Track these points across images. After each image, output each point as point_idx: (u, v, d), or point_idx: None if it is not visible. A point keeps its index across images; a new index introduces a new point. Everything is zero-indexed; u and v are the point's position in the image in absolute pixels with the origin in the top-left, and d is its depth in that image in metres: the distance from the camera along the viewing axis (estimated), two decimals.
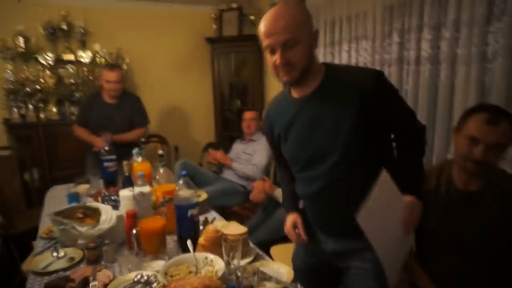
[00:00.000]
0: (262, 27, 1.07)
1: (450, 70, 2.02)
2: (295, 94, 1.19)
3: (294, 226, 1.30)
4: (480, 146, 1.21)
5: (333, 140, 1.10)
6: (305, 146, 1.17)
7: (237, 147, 3.19)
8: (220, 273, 1.14)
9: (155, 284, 1.13)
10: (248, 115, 3.12)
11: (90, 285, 1.12)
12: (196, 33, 4.13)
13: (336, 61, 2.90)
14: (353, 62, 2.72)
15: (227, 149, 3.33)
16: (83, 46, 3.58)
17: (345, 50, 2.80)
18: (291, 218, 1.32)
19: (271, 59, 1.09)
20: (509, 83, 1.76)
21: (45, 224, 1.70)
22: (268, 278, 1.20)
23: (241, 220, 2.86)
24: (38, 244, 1.51)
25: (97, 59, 3.60)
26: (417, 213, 1.08)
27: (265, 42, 1.08)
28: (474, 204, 1.31)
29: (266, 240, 2.21)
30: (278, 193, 2.42)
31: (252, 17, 3.93)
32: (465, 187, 1.33)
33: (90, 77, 3.57)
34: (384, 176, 1.01)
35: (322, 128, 1.12)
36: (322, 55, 3.02)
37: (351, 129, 1.07)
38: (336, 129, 1.09)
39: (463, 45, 1.93)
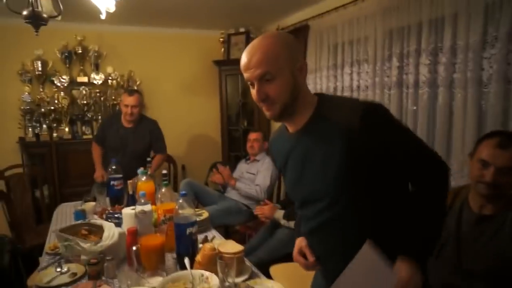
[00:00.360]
0: (241, 60, 1.01)
1: (448, 93, 2.07)
2: (289, 128, 1.11)
3: (302, 252, 1.21)
4: (490, 169, 1.26)
5: (322, 182, 1.02)
6: (298, 185, 1.11)
7: (242, 167, 3.25)
8: None
9: None
10: (252, 136, 3.18)
11: None
12: (204, 56, 4.27)
13: (339, 84, 2.98)
14: (354, 85, 2.79)
15: (232, 169, 3.39)
16: (96, 68, 3.75)
17: (347, 73, 2.88)
18: (297, 243, 1.24)
19: (252, 93, 1.02)
20: (504, 106, 1.80)
21: (52, 240, 1.76)
22: None
23: (243, 239, 2.89)
24: (43, 260, 1.57)
25: (109, 81, 3.76)
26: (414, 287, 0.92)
27: (244, 76, 1.01)
28: (485, 226, 1.32)
29: (266, 259, 2.23)
30: (278, 214, 2.46)
31: None
32: (479, 210, 1.35)
33: (102, 98, 3.72)
34: (366, 249, 0.91)
35: (312, 169, 1.04)
36: (325, 77, 3.11)
37: (340, 172, 0.98)
38: (324, 171, 1.00)
39: (459, 69, 1.98)
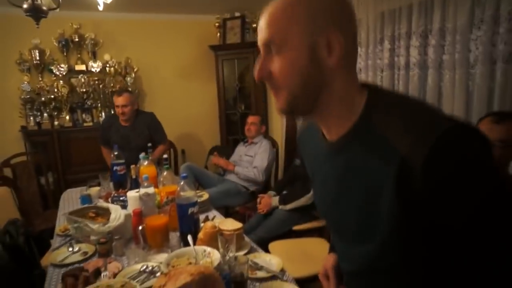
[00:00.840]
0: None
1: (437, 75, 2.14)
2: (324, 132, 0.78)
3: (327, 274, 1.03)
4: None
5: (365, 223, 0.70)
6: (330, 210, 0.83)
7: (240, 150, 3.34)
8: (216, 263, 1.28)
9: (158, 273, 1.28)
10: (250, 119, 3.27)
11: (102, 274, 1.28)
12: (200, 41, 4.30)
13: None
14: None
15: (230, 153, 3.48)
16: (94, 56, 3.79)
17: None
18: (325, 262, 1.04)
19: None
20: (489, 87, 1.87)
21: (61, 223, 1.87)
22: (260, 267, 1.34)
23: (243, 219, 3.01)
24: (55, 241, 1.67)
25: (107, 69, 3.80)
26: None
27: None
28: None
29: (265, 238, 2.34)
30: (275, 202, 2.57)
31: (254, 25, 4.09)
32: None
33: (101, 86, 3.77)
34: None
35: (351, 200, 0.72)
36: None
37: (388, 220, 0.64)
38: (368, 209, 0.68)
39: (448, 51, 2.05)
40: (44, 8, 1.58)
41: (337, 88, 0.68)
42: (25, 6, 1.55)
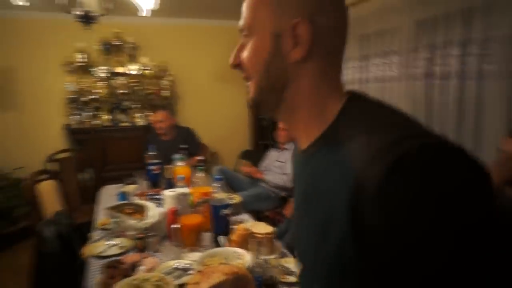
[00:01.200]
0: None
1: (477, 85, 2.08)
2: (297, 139, 0.69)
3: None
4: (502, 156, 1.40)
5: (315, 257, 0.58)
6: (297, 228, 0.68)
7: (272, 155, 3.36)
8: (247, 265, 1.30)
9: (191, 271, 1.32)
10: (281, 125, 3.28)
11: (139, 268, 1.34)
12: (233, 46, 4.28)
13: (363, 76, 2.99)
14: (386, 75, 2.80)
15: (261, 157, 3.51)
16: (133, 59, 3.95)
17: (375, 64, 2.90)
18: None
19: None
20: None
21: (100, 217, 1.96)
22: (290, 272, 1.36)
23: (273, 225, 3.02)
24: (95, 234, 1.76)
25: (145, 71, 3.95)
26: None
27: None
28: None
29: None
30: None
31: None
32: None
33: (139, 88, 3.92)
34: None
35: (307, 225, 0.61)
36: (352, 69, 3.14)
37: (337, 258, 0.51)
38: (321, 240, 0.55)
39: (489, 61, 1.99)
40: (95, 14, 1.69)
41: (303, 87, 0.59)
42: (77, 13, 1.66)
